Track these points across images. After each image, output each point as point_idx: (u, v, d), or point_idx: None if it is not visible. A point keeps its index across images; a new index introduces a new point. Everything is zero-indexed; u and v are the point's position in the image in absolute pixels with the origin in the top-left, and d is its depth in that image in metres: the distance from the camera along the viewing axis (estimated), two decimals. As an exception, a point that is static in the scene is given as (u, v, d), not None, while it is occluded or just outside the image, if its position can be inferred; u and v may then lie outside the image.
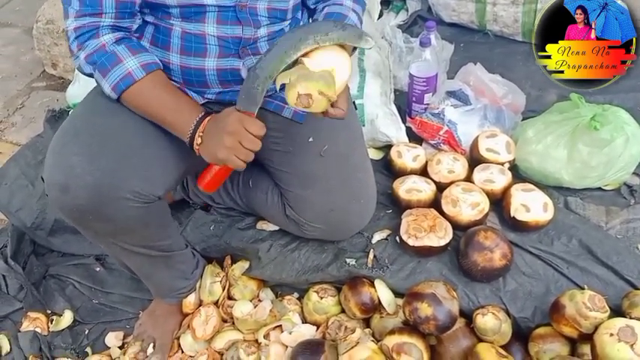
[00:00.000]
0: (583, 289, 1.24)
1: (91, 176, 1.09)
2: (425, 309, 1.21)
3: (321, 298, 1.37)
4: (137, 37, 1.22)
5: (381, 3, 2.16)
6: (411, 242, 1.33)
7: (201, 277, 1.47)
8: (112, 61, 1.12)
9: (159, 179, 1.18)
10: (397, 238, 1.38)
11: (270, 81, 1.09)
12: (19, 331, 1.51)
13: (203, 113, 1.14)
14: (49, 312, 1.58)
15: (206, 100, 1.28)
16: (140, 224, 1.19)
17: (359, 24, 1.30)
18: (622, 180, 1.47)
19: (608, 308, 1.16)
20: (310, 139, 1.32)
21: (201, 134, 1.11)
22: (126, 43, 1.14)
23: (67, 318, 1.55)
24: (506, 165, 1.50)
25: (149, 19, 1.19)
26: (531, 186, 1.42)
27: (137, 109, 1.16)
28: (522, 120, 1.62)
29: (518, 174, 1.51)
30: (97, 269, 1.64)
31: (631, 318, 1.17)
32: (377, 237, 1.41)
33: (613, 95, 1.72)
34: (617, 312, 1.22)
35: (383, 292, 1.33)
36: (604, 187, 1.48)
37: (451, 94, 1.65)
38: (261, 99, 1.10)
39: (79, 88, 1.84)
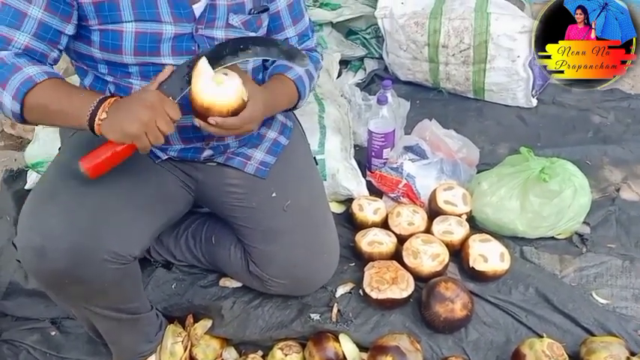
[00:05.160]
0: (542, 337, 1.27)
1: (70, 239, 1.06)
2: (389, 362, 1.21)
3: (286, 355, 1.35)
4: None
5: (340, 62, 2.25)
6: (374, 295, 1.34)
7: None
8: (12, 70, 1.06)
9: (136, 239, 1.17)
10: (360, 291, 1.39)
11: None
12: (-33, 402, 1.43)
13: (107, 94, 1.09)
14: (1, 380, 1.50)
15: (168, 157, 1.29)
16: (115, 286, 1.17)
17: (304, 77, 1.33)
18: (573, 229, 1.54)
19: (566, 356, 1.19)
20: (273, 195, 1.34)
21: (106, 109, 1.04)
22: (28, 57, 1.09)
23: (19, 386, 1.48)
24: (464, 216, 1.55)
25: (108, 78, 1.21)
26: (488, 236, 1.47)
27: (39, 112, 1.09)
28: (477, 173, 1.68)
29: (475, 225, 1.56)
30: (53, 333, 1.57)
31: (589, 364, 1.20)
32: (340, 291, 1.41)
33: (560, 149, 1.82)
34: (575, 359, 1.25)
35: (347, 347, 1.33)
36: (557, 237, 1.54)
37: (409, 148, 1.71)
38: (183, 92, 1.08)
39: (39, 148, 1.82)
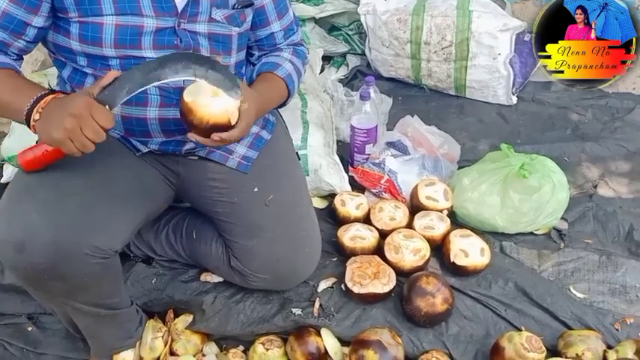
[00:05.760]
0: (521, 330, 1.29)
1: (51, 233, 1.04)
2: (371, 356, 1.21)
3: (267, 349, 1.35)
4: (74, 86, 1.21)
5: (323, 58, 2.25)
6: (356, 289, 1.35)
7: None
8: None
9: (117, 233, 1.15)
10: (342, 285, 1.39)
11: (137, 90, 1.06)
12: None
13: (47, 91, 1.07)
14: (-25, 377, 1.47)
15: (149, 150, 1.28)
16: (95, 281, 1.15)
17: (293, 74, 1.34)
18: (551, 225, 1.56)
19: (544, 349, 1.21)
20: (255, 189, 1.33)
21: (40, 110, 1.04)
22: None
23: (-6, 383, 1.45)
24: (445, 212, 1.56)
25: (88, 70, 1.19)
26: (469, 232, 1.48)
27: None
28: (458, 169, 1.70)
29: (456, 220, 1.57)
30: (29, 329, 1.55)
31: (566, 357, 1.22)
32: (322, 285, 1.41)
33: (540, 145, 1.85)
34: (553, 352, 1.27)
35: (329, 341, 1.33)
36: (535, 232, 1.56)
37: (391, 144, 1.71)
38: (122, 100, 1.06)
39: (14, 141, 1.79)
